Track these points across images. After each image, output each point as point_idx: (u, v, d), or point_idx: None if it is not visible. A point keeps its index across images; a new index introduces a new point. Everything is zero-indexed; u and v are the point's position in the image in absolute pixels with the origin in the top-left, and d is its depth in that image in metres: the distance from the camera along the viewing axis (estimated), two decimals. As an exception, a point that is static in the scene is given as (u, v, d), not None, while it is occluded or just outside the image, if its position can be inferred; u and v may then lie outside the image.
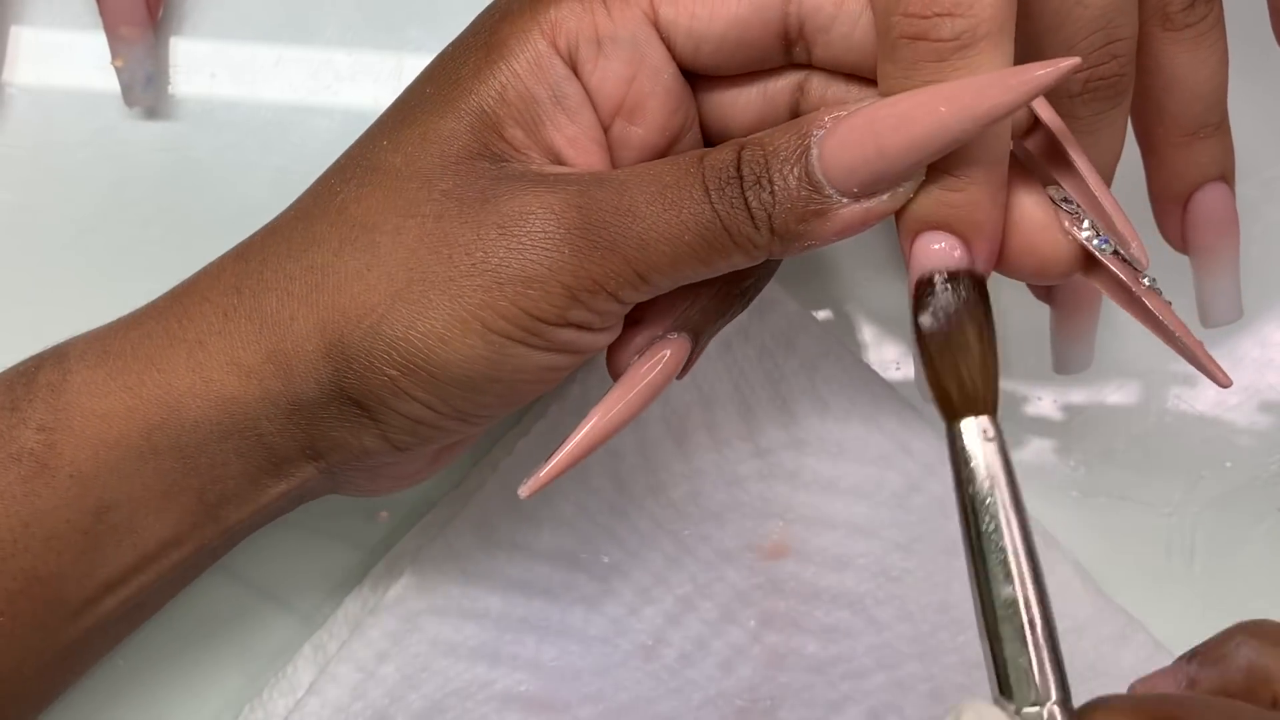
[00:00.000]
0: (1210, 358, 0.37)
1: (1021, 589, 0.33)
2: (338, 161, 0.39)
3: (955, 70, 0.33)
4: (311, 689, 0.45)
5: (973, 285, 0.35)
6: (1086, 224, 0.36)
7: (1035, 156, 0.37)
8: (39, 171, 0.49)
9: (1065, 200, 0.36)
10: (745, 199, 0.34)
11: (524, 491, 0.37)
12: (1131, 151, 0.41)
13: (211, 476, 0.37)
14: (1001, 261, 0.36)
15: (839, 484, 0.47)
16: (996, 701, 0.33)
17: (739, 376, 0.47)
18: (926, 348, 0.34)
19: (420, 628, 0.45)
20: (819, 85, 0.38)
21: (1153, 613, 0.47)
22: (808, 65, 0.38)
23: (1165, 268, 0.41)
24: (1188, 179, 0.41)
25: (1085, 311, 0.43)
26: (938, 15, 0.33)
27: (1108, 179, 0.40)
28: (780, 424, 0.47)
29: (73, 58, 0.49)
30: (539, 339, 0.35)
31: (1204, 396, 0.50)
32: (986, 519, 0.33)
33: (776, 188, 0.34)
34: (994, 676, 0.33)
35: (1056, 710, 0.32)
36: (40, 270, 0.48)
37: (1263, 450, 0.49)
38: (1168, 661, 0.46)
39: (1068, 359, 0.44)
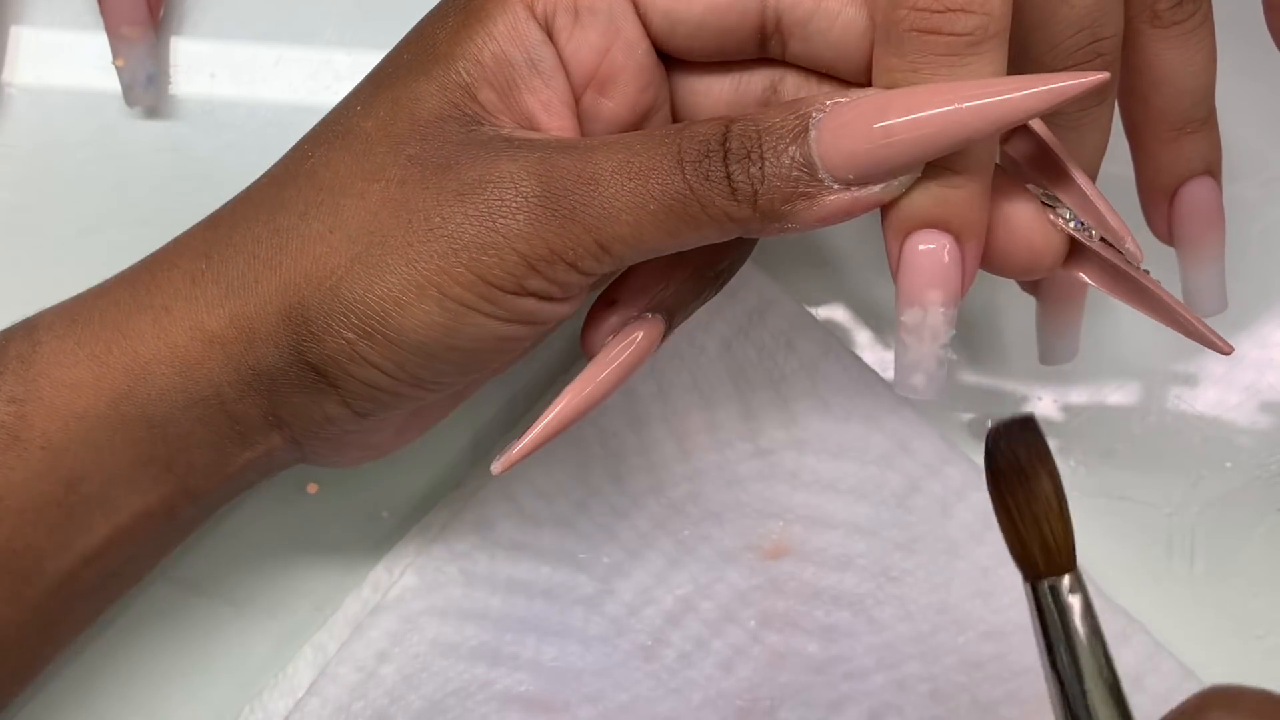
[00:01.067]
0: (1209, 328, 0.37)
1: None
2: (313, 129, 0.39)
3: (966, 66, 0.33)
4: (311, 689, 0.45)
5: (1034, 426, 0.35)
6: (1068, 214, 0.36)
7: (1017, 161, 0.37)
8: (39, 171, 0.49)
9: (1044, 193, 0.37)
10: (728, 172, 0.34)
11: (496, 468, 0.38)
12: (1119, 145, 0.41)
13: (178, 446, 0.38)
14: (993, 259, 0.36)
15: (839, 484, 0.47)
16: None
17: (739, 376, 0.47)
18: (1007, 501, 0.35)
19: (420, 628, 0.45)
20: (794, 85, 0.38)
21: (1153, 613, 0.47)
22: (781, 61, 0.38)
23: (1152, 262, 0.41)
24: (1175, 173, 0.41)
25: (1071, 303, 0.43)
26: (952, 10, 0.33)
27: (1093, 175, 0.40)
28: (781, 424, 0.47)
29: (73, 58, 0.49)
30: (496, 307, 0.35)
31: (1204, 396, 0.50)
32: (1093, 681, 0.33)
33: (768, 164, 0.34)
34: None
35: None
36: (40, 270, 0.48)
37: (1263, 450, 0.49)
38: (1167, 662, 0.46)
39: (1054, 351, 0.45)
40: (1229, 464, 0.49)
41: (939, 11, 0.33)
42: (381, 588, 0.46)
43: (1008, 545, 0.35)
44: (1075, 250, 0.37)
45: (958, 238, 0.35)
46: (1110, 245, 0.37)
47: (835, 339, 0.48)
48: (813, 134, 0.34)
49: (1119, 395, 0.50)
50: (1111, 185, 0.40)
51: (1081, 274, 0.38)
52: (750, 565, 0.46)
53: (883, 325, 0.50)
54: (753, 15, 0.37)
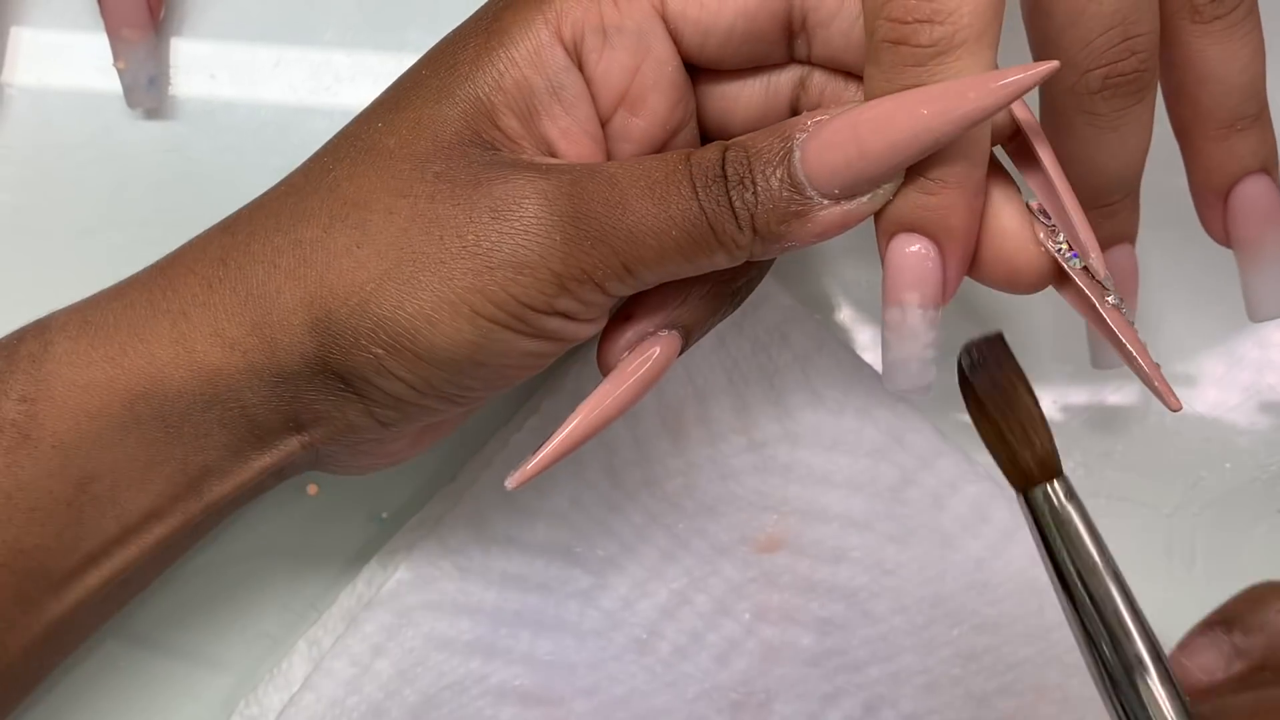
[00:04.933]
0: (1163, 380, 0.37)
1: (1141, 643, 0.34)
2: (331, 141, 0.39)
3: (933, 75, 0.34)
4: (306, 684, 0.45)
5: (1003, 343, 0.35)
6: (1061, 238, 0.36)
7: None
8: (39, 172, 0.49)
9: (1044, 213, 0.36)
10: (729, 198, 0.35)
11: (510, 483, 0.37)
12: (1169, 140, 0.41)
13: (195, 447, 0.37)
14: (975, 268, 0.36)
15: (833, 477, 0.47)
16: None
17: (733, 370, 0.47)
18: (988, 413, 0.35)
19: (415, 622, 0.45)
20: (819, 83, 0.38)
21: (1153, 613, 0.46)
22: (808, 61, 0.38)
23: (1179, 256, 0.41)
24: (1227, 172, 0.40)
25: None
26: (918, 21, 0.33)
27: (1136, 174, 0.40)
28: (774, 417, 0.47)
29: (73, 58, 0.49)
30: (526, 326, 0.36)
31: (1204, 397, 0.50)
32: (1089, 581, 0.34)
33: (759, 188, 0.34)
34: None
35: None
36: (40, 270, 0.48)
37: (1263, 450, 0.49)
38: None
39: (1107, 354, 0.44)
40: (1229, 464, 0.49)
41: (906, 22, 0.33)
42: (376, 582, 0.46)
43: (999, 461, 0.35)
44: (1065, 274, 0.37)
45: (938, 242, 0.35)
46: (1093, 280, 0.36)
47: (829, 333, 0.48)
48: (796, 154, 0.34)
49: (1119, 395, 0.50)
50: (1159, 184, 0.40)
51: (1064, 297, 0.38)
52: (744, 558, 0.46)
53: (880, 324, 0.49)
54: (780, 17, 0.37)
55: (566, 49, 0.36)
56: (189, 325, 0.37)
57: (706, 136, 0.39)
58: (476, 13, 0.38)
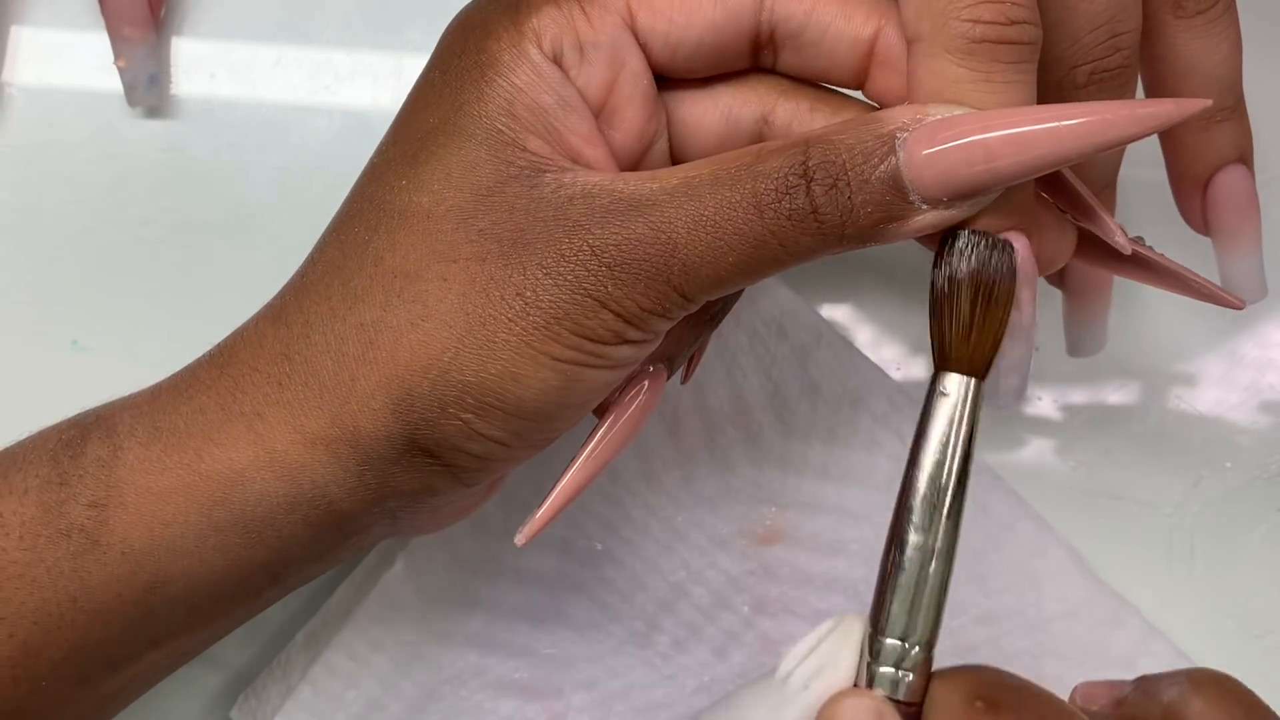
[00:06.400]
0: (1216, 286, 0.38)
1: (929, 539, 0.34)
2: (353, 205, 0.38)
3: (1029, 72, 0.34)
4: (305, 677, 0.45)
5: (992, 245, 0.34)
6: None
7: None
8: (39, 171, 0.49)
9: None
10: (814, 206, 0.33)
11: (520, 540, 0.38)
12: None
13: (277, 548, 0.36)
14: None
15: (831, 469, 0.47)
16: (866, 624, 0.35)
17: (730, 362, 0.47)
18: (930, 297, 0.35)
19: (413, 616, 0.45)
20: (785, 114, 0.38)
21: (1153, 612, 0.47)
22: (771, 70, 0.38)
23: (1210, 261, 0.41)
24: (1206, 162, 0.41)
25: (1097, 295, 0.44)
26: (1016, 23, 0.33)
27: (1114, 167, 0.40)
28: (772, 409, 0.47)
29: (73, 58, 0.49)
30: (602, 359, 0.35)
31: (1204, 396, 0.50)
32: (926, 466, 0.34)
33: (855, 191, 0.33)
34: (874, 604, 0.35)
35: (916, 649, 0.34)
36: (40, 270, 0.48)
37: (1263, 450, 0.49)
38: (1160, 645, 0.46)
39: (1081, 343, 0.45)
40: (1229, 464, 0.49)
41: (1006, 24, 0.33)
42: (374, 576, 0.46)
43: (945, 338, 0.35)
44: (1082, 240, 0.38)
45: (1029, 234, 0.35)
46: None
47: (826, 325, 0.48)
48: (900, 155, 0.33)
49: (1119, 395, 0.50)
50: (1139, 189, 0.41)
51: (1085, 261, 0.39)
52: (743, 551, 0.46)
53: (883, 326, 0.50)
54: (747, 30, 0.37)
55: (552, 62, 0.36)
56: (265, 426, 0.36)
57: (672, 154, 0.39)
58: (449, 49, 0.37)
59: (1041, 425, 0.50)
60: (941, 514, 0.34)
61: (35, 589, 0.35)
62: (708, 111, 0.38)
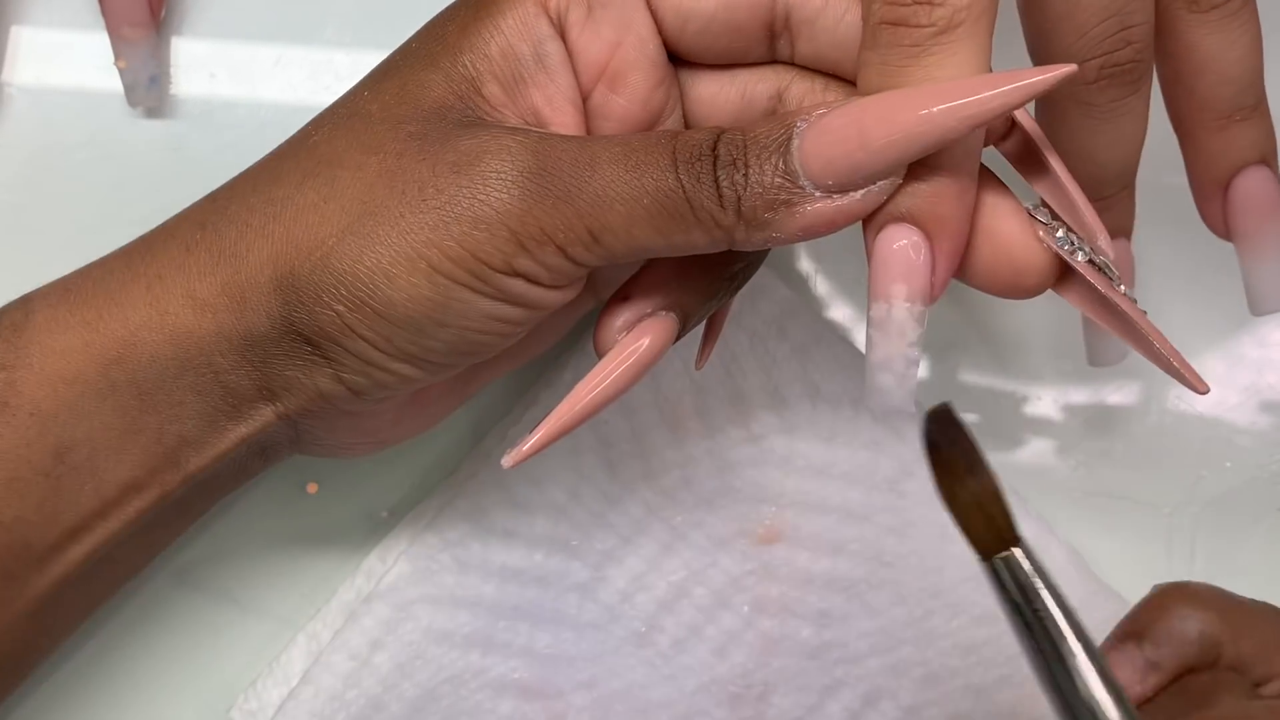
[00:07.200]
0: (1187, 365, 0.37)
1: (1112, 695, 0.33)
2: (321, 113, 0.39)
3: (932, 57, 0.33)
4: (305, 677, 0.45)
5: (945, 418, 0.35)
6: (1061, 233, 0.36)
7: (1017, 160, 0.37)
8: (39, 171, 0.49)
9: (1043, 210, 0.36)
10: (716, 177, 0.34)
11: (506, 461, 0.37)
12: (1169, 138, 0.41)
13: (169, 415, 0.37)
14: (974, 272, 0.36)
15: (831, 469, 0.47)
16: None
17: (730, 362, 0.47)
18: (952, 503, 0.34)
19: (414, 616, 0.45)
20: (798, 94, 0.38)
21: (1152, 611, 0.47)
22: (790, 62, 0.38)
23: (1180, 255, 0.41)
24: (1226, 164, 0.40)
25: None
26: (917, 3, 0.33)
27: (1132, 167, 0.40)
28: (772, 409, 0.47)
29: (73, 58, 0.49)
30: (485, 285, 0.35)
31: (1204, 397, 0.50)
32: (1070, 647, 0.33)
33: (751, 171, 0.34)
34: None
35: None
36: (40, 270, 0.48)
37: (1263, 450, 0.49)
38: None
39: (1103, 352, 0.44)
40: (1229, 464, 0.49)
41: (906, 5, 0.33)
42: (375, 575, 0.46)
43: (967, 531, 0.34)
44: (1066, 273, 0.37)
45: (928, 234, 0.35)
46: (1097, 269, 0.36)
47: (826, 325, 0.48)
48: (795, 143, 0.34)
49: (1119, 395, 0.50)
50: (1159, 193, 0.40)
51: (1066, 297, 0.37)
52: (743, 551, 0.46)
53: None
54: (763, 12, 0.37)
55: (551, 20, 0.37)
56: (163, 288, 0.37)
57: None
58: None
59: (1041, 425, 0.50)
60: (1097, 684, 0.33)
61: None
62: (724, 88, 0.39)
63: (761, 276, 0.47)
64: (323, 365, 0.37)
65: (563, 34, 0.37)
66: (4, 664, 0.39)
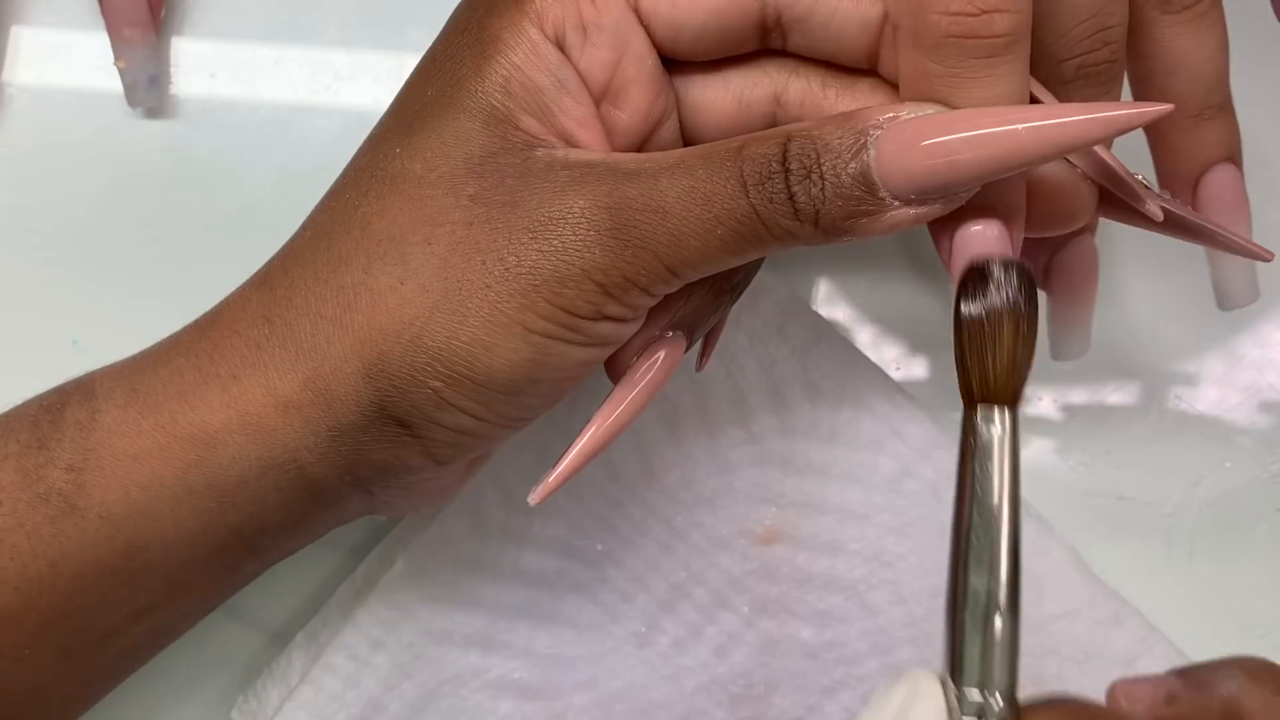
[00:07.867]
0: (1246, 237, 0.38)
1: (993, 581, 0.33)
2: (347, 175, 0.38)
3: (1005, 66, 0.34)
4: (305, 678, 0.45)
5: (1022, 275, 0.34)
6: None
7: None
8: (39, 171, 0.49)
9: None
10: (790, 192, 0.34)
11: (533, 499, 0.37)
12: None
13: (249, 512, 0.37)
14: (1040, 221, 0.37)
15: (831, 469, 0.47)
16: (942, 676, 0.33)
17: (730, 363, 0.47)
18: (960, 333, 0.34)
19: (413, 616, 0.45)
20: (797, 95, 0.38)
21: (1153, 612, 0.47)
22: (782, 52, 0.38)
23: (1180, 253, 0.41)
24: (1195, 161, 0.41)
25: (1081, 300, 0.43)
26: (988, 12, 0.33)
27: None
28: (772, 410, 0.47)
29: (73, 58, 0.49)
30: (578, 334, 0.35)
31: (1204, 396, 0.50)
32: (980, 508, 0.33)
33: (828, 183, 0.34)
34: (948, 655, 0.33)
35: (999, 696, 0.32)
36: (40, 270, 0.48)
37: (1263, 450, 0.49)
38: (1160, 645, 0.46)
39: (1066, 347, 0.44)
40: (1229, 464, 0.49)
41: (974, 15, 0.33)
42: (374, 576, 0.46)
43: (986, 373, 0.34)
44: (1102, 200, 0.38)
45: (1004, 221, 0.35)
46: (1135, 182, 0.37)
47: (826, 325, 0.48)
48: (871, 152, 0.34)
49: (1119, 395, 0.50)
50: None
51: (1113, 215, 0.39)
52: (743, 551, 0.46)
53: (883, 326, 0.50)
54: (753, 14, 0.37)
55: (554, 45, 0.36)
56: (240, 389, 0.36)
57: (684, 135, 0.39)
58: (455, 25, 0.38)
59: (1041, 425, 0.50)
60: (1001, 551, 0.33)
61: (15, 554, 0.35)
62: (719, 95, 0.38)
63: (762, 276, 0.47)
64: (413, 443, 0.36)
65: (565, 57, 0.37)
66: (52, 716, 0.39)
